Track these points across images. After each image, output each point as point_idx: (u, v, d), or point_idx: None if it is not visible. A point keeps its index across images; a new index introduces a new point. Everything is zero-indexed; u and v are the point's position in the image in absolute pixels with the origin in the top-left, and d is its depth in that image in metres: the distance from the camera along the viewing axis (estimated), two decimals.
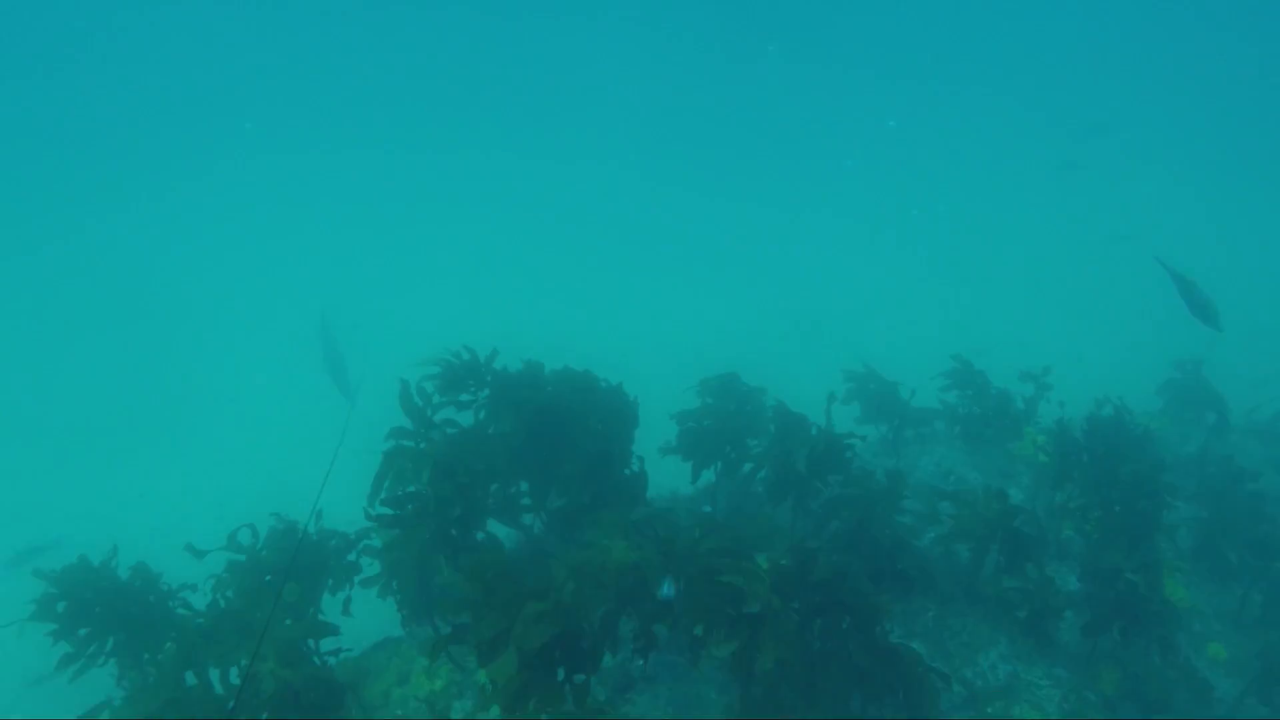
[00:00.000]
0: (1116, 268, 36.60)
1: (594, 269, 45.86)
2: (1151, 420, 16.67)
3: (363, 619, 10.81)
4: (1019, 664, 10.78)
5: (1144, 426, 15.02)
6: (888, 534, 11.31)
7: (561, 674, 8.49)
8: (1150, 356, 20.03)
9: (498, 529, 11.33)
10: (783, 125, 75.38)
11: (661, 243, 51.40)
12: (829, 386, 14.17)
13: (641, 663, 9.89)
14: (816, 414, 12.56)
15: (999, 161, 68.83)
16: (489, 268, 45.77)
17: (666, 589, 9.30)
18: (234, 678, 9.12)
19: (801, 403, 12.85)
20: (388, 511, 10.38)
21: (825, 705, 9.34)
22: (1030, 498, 13.82)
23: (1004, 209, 58.51)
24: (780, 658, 8.98)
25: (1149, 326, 26.94)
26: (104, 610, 10.05)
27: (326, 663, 10.01)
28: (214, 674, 9.14)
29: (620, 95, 75.69)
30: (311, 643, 9.82)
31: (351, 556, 11.12)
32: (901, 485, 11.62)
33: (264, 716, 8.91)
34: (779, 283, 43.33)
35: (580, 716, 8.61)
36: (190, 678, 9.13)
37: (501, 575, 8.87)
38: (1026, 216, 55.85)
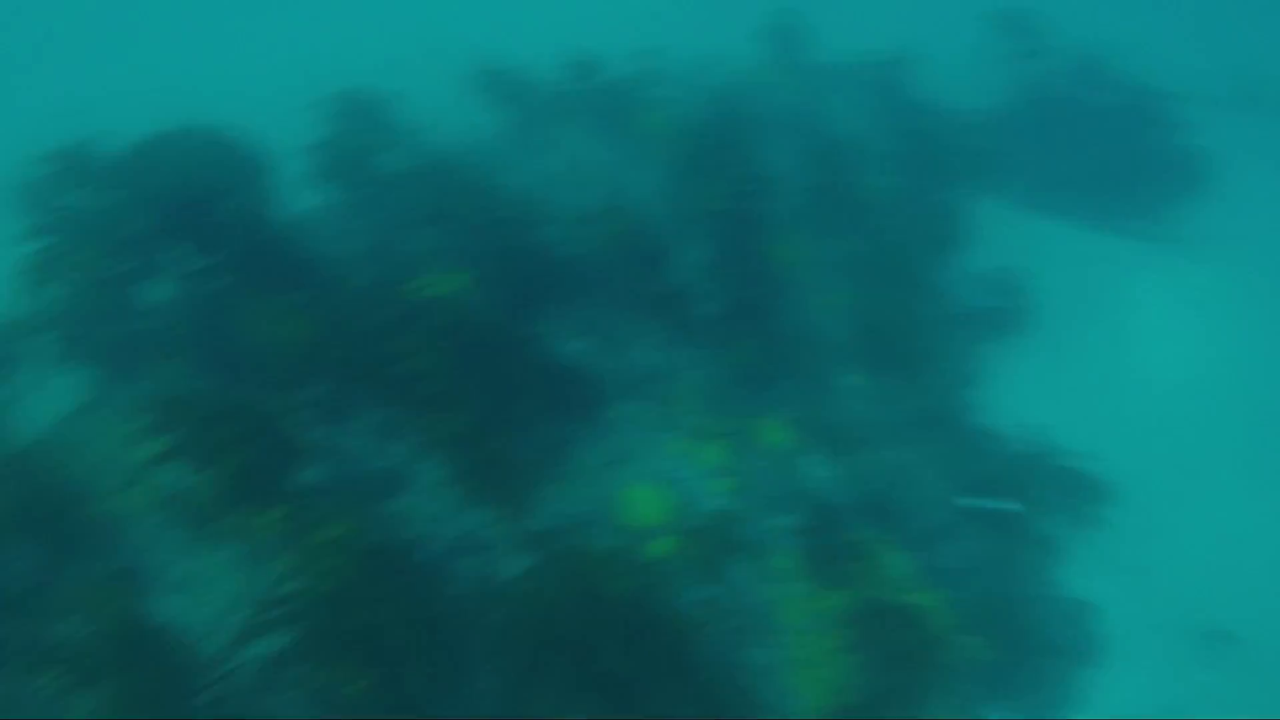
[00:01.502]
0: None
1: None
2: (761, 74, 17.51)
3: None
4: (669, 350, 11.85)
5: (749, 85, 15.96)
6: (535, 255, 11.46)
7: None
8: None
9: None
10: None
11: None
12: None
13: None
14: None
15: None
16: None
17: None
18: None
19: None
20: None
21: (505, 423, 9.81)
22: (666, 179, 14.30)
23: None
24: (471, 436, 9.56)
25: None
26: None
27: None
28: None
29: None
30: None
31: None
32: (537, 210, 11.77)
33: None
34: None
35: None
36: None
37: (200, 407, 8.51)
38: None
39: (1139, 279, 17.80)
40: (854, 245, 13.99)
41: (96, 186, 10.26)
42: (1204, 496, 14.68)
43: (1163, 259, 18.19)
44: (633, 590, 8.97)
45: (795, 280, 12.71)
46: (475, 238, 11.73)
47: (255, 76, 20.04)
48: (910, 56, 17.65)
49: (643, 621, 8.67)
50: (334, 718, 7.84)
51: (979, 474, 12.61)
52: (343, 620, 7.99)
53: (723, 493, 10.97)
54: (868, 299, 13.06)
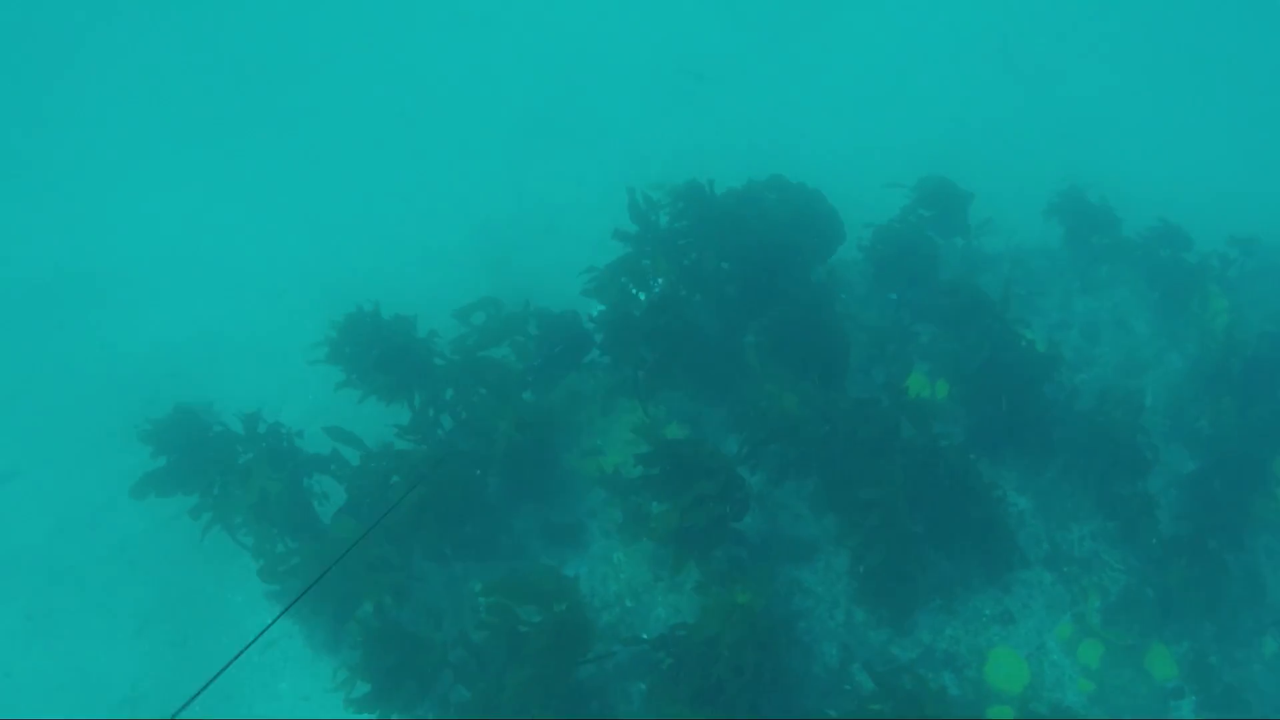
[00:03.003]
0: None
1: None
2: None
3: None
4: (1103, 544, 12.11)
5: None
6: (1034, 409, 11.77)
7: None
8: None
9: None
10: None
11: None
12: None
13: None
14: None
15: None
16: None
17: None
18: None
19: None
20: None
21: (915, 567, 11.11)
22: (1193, 366, 14.16)
23: None
24: (888, 551, 10.58)
25: None
26: (377, 352, 11.89)
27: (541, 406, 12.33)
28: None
29: None
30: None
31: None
32: (1058, 364, 11.94)
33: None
34: None
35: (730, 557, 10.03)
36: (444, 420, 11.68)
37: (681, 457, 9.67)
38: None
39: None
40: None
41: (682, 217, 11.77)
42: None
43: None
44: None
45: (1267, 529, 12.23)
46: (977, 357, 12.26)
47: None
48: None
49: None
50: None
51: None
52: (706, 666, 9.58)
53: (1079, 693, 11.46)
54: None
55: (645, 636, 10.88)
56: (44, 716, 13.32)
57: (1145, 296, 14.79)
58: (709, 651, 9.54)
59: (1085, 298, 14.96)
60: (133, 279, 20.17)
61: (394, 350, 11.66)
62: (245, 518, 11.41)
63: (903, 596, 11.32)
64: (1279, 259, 16.05)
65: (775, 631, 9.87)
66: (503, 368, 11.98)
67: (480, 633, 9.72)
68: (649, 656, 10.34)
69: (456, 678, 10.06)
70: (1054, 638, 11.80)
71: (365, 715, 10.14)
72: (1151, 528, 11.93)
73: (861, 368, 13.54)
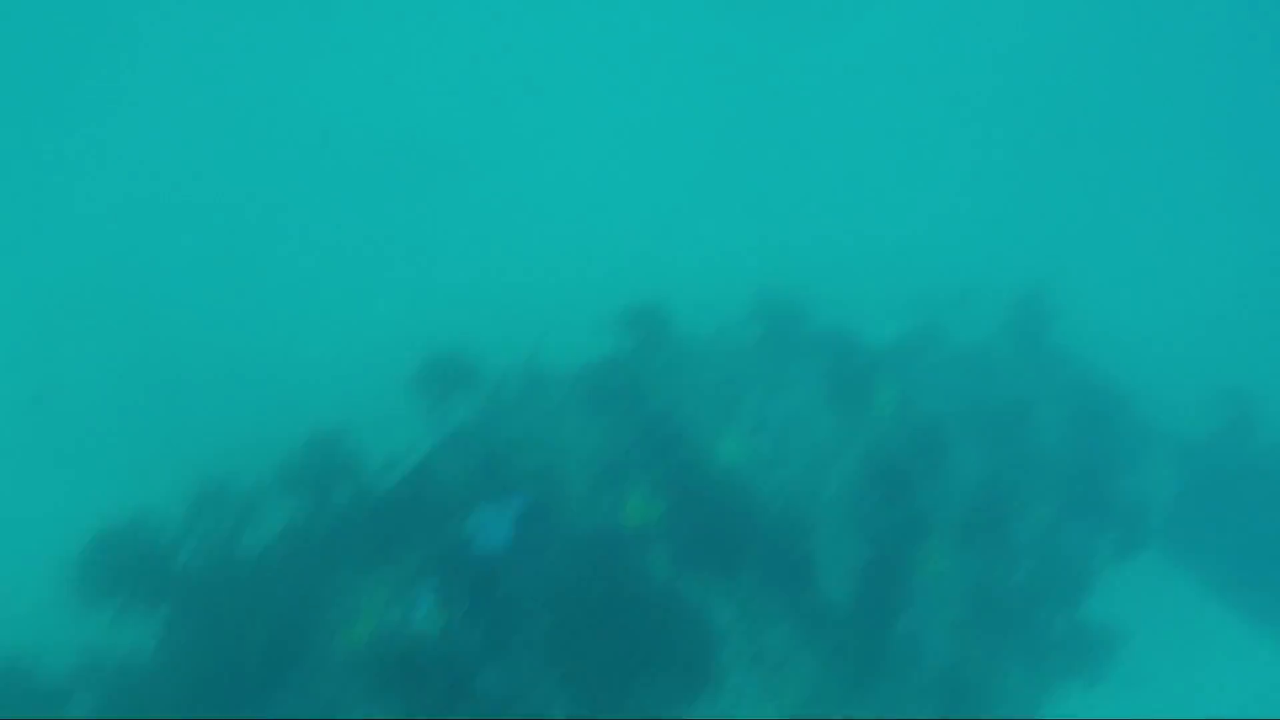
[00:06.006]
0: None
1: None
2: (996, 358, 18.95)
3: None
4: (796, 637, 14.11)
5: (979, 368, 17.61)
6: (732, 525, 13.71)
7: None
8: None
9: None
10: None
11: None
12: None
13: None
14: None
15: None
16: None
17: None
18: None
19: None
20: None
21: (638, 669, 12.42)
22: (865, 460, 16.35)
23: None
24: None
25: None
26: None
27: None
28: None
29: None
30: None
31: None
32: (751, 486, 13.79)
33: None
34: None
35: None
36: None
37: (413, 659, 10.85)
38: None
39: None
40: (987, 571, 15.94)
41: None
42: None
43: None
44: None
45: (923, 594, 14.68)
46: (677, 484, 14.05)
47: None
48: (1140, 388, 18.44)
49: None
50: None
51: None
52: None
53: None
54: (973, 630, 14.99)
55: None
56: None
57: (827, 394, 16.88)
58: None
59: (778, 398, 16.88)
60: None
61: (148, 570, 12.09)
62: None
63: None
64: (940, 335, 18.68)
65: None
66: (248, 564, 12.72)
67: None
68: None
69: None
70: None
71: None
72: (832, 629, 14.13)
73: (587, 497, 15.02)
